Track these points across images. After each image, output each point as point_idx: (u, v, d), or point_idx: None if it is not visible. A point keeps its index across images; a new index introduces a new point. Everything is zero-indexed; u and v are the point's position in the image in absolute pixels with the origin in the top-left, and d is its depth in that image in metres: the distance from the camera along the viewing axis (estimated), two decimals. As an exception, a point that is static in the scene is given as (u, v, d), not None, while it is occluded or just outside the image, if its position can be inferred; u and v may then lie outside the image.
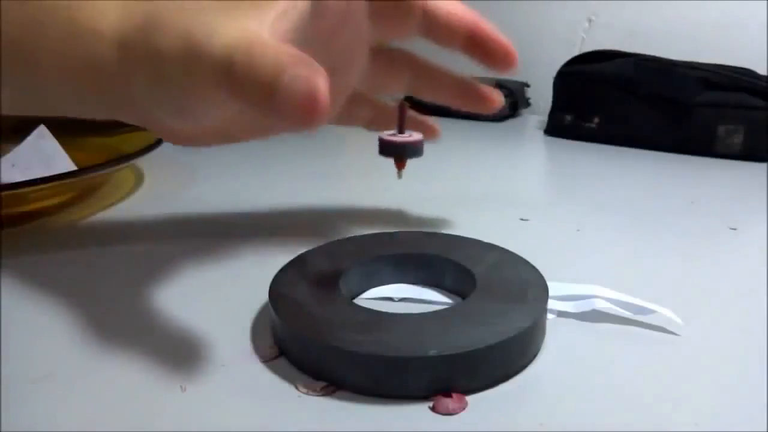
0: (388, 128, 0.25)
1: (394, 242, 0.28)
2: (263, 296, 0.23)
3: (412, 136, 0.24)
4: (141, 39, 0.19)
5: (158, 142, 0.43)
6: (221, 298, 0.26)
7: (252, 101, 0.17)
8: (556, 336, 0.23)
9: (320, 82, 0.16)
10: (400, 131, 0.24)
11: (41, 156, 0.43)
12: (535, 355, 0.21)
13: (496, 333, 0.20)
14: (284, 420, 0.18)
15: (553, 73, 0.64)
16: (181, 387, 0.20)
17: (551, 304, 0.24)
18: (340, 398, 0.19)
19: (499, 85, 0.76)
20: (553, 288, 0.24)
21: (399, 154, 0.24)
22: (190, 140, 0.24)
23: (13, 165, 0.42)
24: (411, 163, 0.25)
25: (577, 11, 0.80)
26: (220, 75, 0.17)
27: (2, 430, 0.18)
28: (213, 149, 0.60)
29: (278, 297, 0.22)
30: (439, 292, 0.26)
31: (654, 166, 0.52)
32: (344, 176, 0.48)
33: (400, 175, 0.25)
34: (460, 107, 0.29)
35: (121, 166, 0.39)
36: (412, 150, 0.24)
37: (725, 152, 0.54)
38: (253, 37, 0.17)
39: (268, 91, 0.16)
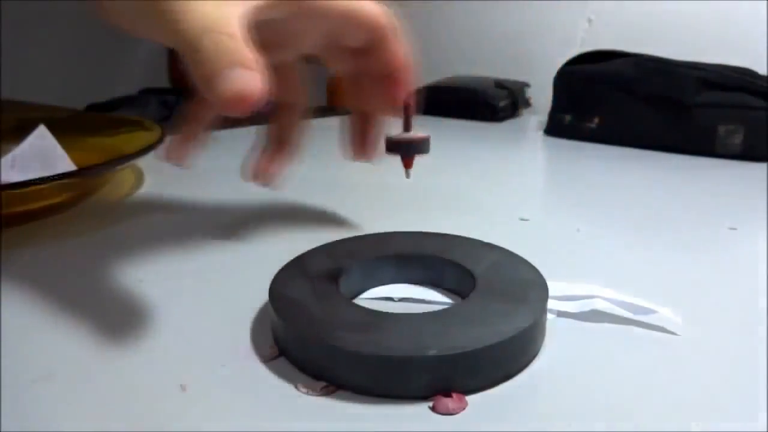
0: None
1: (394, 242, 0.28)
2: (263, 296, 0.23)
3: (418, 133, 0.24)
4: None
5: (158, 142, 0.43)
6: (221, 298, 0.26)
7: (196, 79, 0.20)
8: (556, 336, 0.23)
9: (253, 85, 0.19)
10: (406, 130, 0.25)
11: (41, 156, 0.43)
12: (535, 355, 0.21)
13: (496, 333, 0.20)
14: (284, 420, 0.18)
15: (553, 73, 0.64)
16: (181, 386, 0.20)
17: (551, 304, 0.24)
18: (340, 398, 0.19)
19: (500, 85, 0.76)
20: (553, 288, 0.24)
21: (406, 151, 0.24)
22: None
23: (13, 165, 0.42)
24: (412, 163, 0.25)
25: (577, 11, 0.80)
26: (172, 43, 0.21)
27: (2, 430, 0.18)
28: (212, 150, 0.60)
29: (278, 297, 0.22)
30: (439, 292, 0.26)
31: (654, 166, 0.52)
32: (344, 176, 0.48)
33: (408, 174, 0.25)
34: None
35: (121, 166, 0.39)
36: (419, 147, 0.24)
37: (725, 152, 0.54)
38: (216, 25, 0.20)
39: (208, 81, 0.20)
